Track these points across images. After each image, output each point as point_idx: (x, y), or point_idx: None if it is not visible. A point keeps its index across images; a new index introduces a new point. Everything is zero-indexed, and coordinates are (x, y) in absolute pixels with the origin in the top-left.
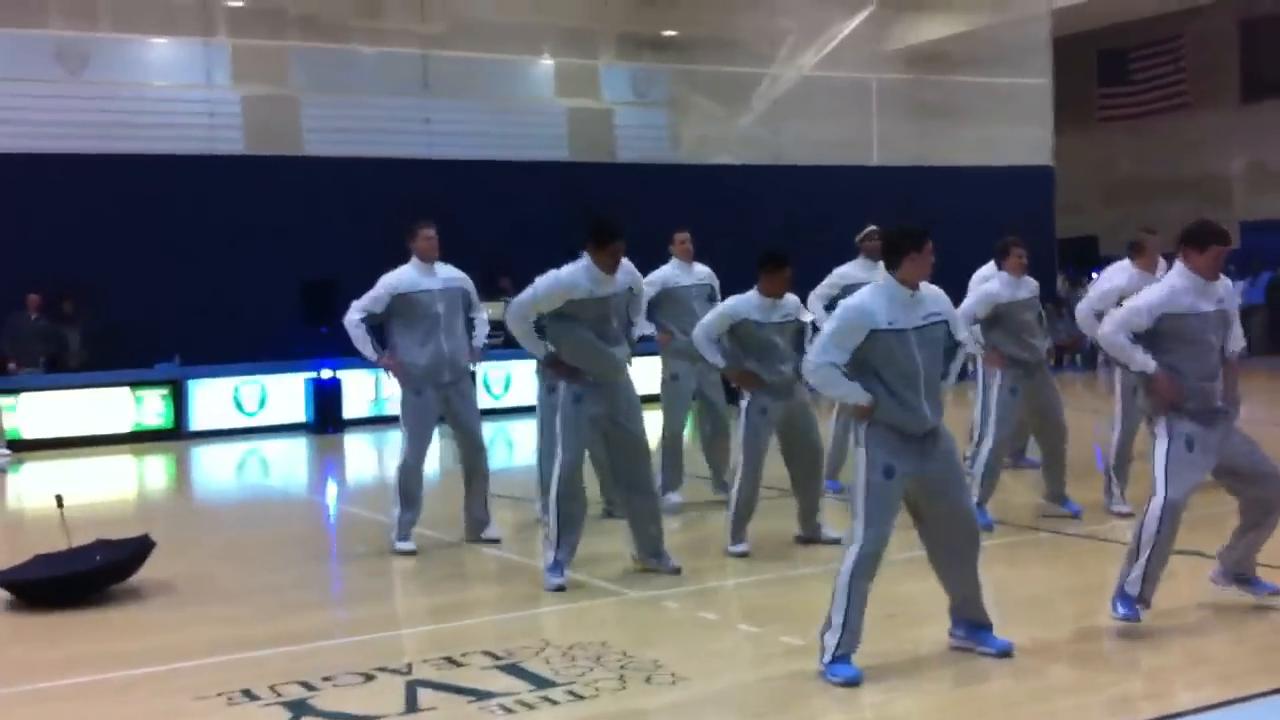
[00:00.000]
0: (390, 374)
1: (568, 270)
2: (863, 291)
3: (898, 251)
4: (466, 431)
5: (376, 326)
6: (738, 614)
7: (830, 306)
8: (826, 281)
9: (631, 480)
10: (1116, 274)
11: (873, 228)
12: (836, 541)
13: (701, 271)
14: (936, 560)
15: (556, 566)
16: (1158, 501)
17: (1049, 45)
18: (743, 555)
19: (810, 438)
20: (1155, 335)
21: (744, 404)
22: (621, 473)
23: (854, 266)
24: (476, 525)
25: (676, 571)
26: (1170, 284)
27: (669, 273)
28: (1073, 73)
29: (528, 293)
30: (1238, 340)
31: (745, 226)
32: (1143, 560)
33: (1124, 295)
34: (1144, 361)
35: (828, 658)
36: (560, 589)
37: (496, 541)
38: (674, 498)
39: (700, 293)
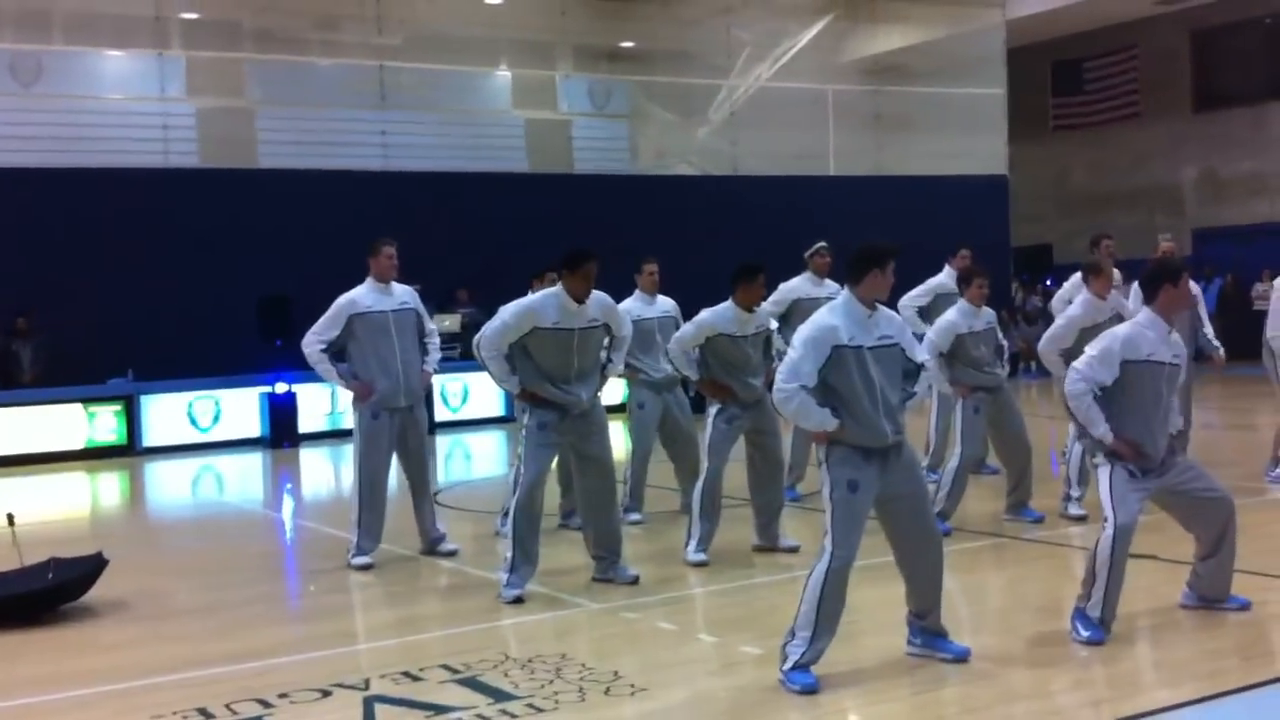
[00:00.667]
0: (357, 395)
1: (538, 295)
2: (823, 310)
3: (862, 267)
4: (415, 457)
5: (339, 350)
6: (697, 624)
7: (780, 322)
8: (773, 299)
9: (594, 502)
10: (1075, 304)
11: (822, 244)
12: (795, 550)
13: (665, 304)
14: (901, 569)
15: (515, 579)
16: (1109, 529)
17: (1004, 56)
18: (701, 564)
19: (773, 447)
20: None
21: (712, 412)
22: (587, 494)
23: (802, 281)
24: (431, 540)
25: (634, 581)
26: (1134, 326)
27: (631, 306)
28: (1027, 83)
29: (496, 323)
30: (1176, 419)
31: (703, 237)
32: (1101, 585)
33: (1082, 327)
34: (1104, 433)
35: (788, 665)
36: (518, 601)
37: (454, 553)
38: (634, 516)
39: (665, 324)
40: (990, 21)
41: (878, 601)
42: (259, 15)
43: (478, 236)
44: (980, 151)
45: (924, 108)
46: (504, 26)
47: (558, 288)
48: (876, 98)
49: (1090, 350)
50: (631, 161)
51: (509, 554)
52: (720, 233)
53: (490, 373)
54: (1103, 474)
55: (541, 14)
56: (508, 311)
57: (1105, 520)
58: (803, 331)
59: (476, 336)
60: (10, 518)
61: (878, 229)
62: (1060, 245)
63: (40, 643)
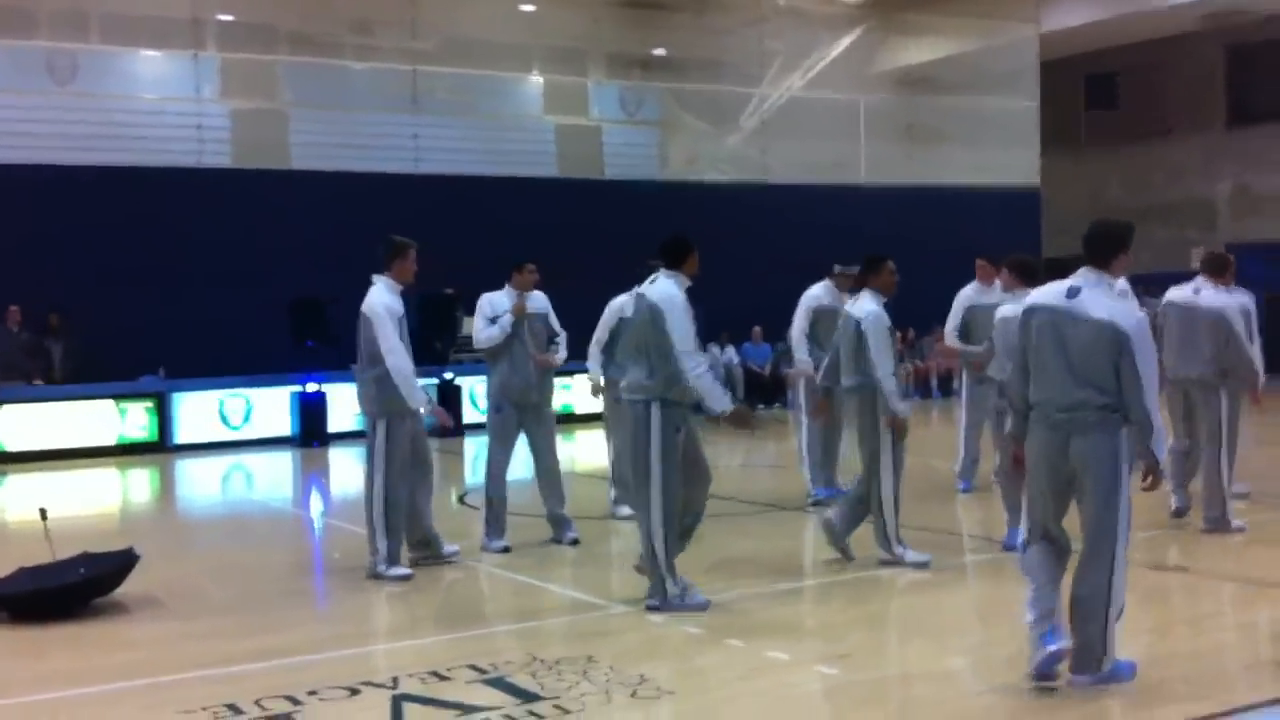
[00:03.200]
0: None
1: (675, 286)
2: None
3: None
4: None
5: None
6: (724, 628)
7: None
8: (799, 308)
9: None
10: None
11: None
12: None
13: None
14: None
15: (680, 582)
16: None
17: (1037, 69)
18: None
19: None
20: None
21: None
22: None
23: (822, 289)
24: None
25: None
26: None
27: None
28: (1061, 96)
29: (690, 340)
30: None
31: (734, 245)
32: None
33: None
34: None
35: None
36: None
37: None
38: (625, 510)
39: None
40: (1024, 34)
41: (915, 608)
42: (294, 18)
43: (508, 241)
44: (1013, 164)
45: (956, 119)
46: (537, 32)
47: (679, 277)
48: (909, 109)
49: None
50: (662, 168)
51: (665, 563)
52: (750, 241)
53: (715, 394)
54: None
55: (574, 21)
56: (684, 315)
57: None
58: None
59: (695, 369)
60: (43, 512)
61: (909, 240)
62: None
63: (71, 637)
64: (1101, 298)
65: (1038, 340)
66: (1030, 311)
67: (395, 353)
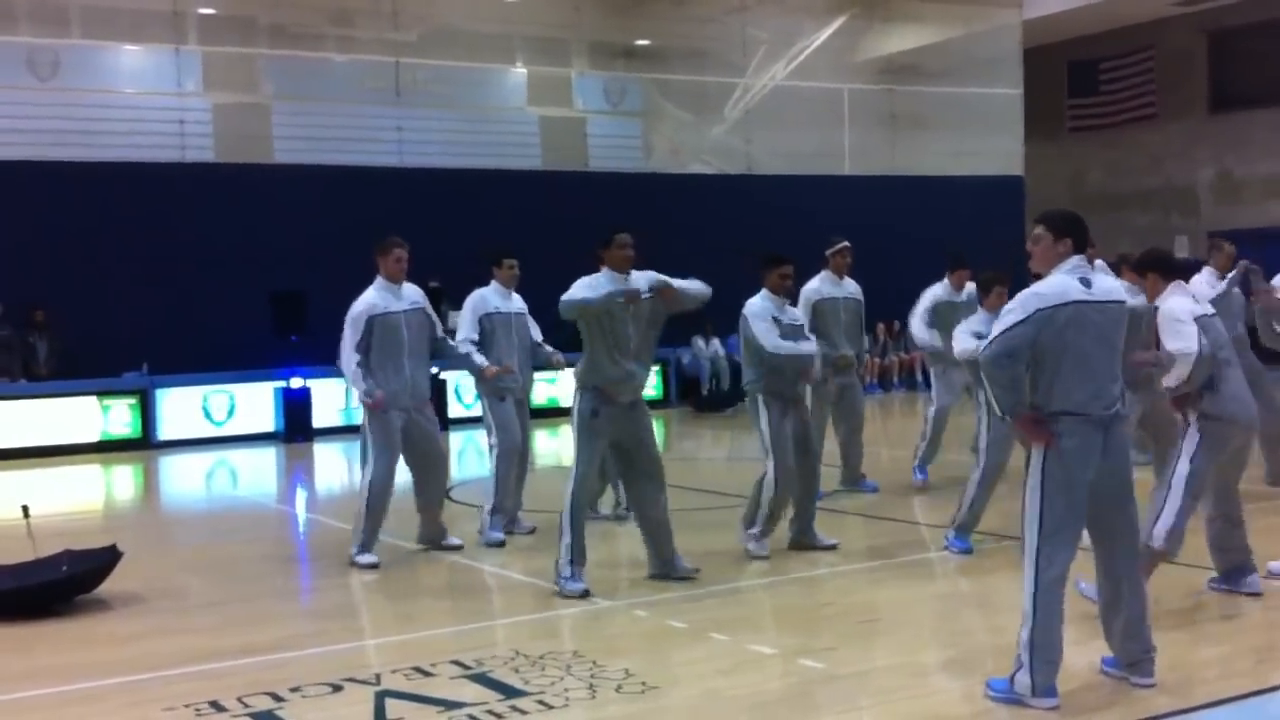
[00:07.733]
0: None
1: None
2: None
3: None
4: (425, 457)
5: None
6: (708, 623)
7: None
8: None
9: (646, 492)
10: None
11: (844, 243)
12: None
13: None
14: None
15: (575, 574)
16: None
17: (1020, 56)
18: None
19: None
20: None
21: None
22: (634, 482)
23: (820, 282)
24: (436, 534)
25: (692, 575)
26: None
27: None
28: (1043, 84)
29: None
30: None
31: (718, 235)
32: None
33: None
34: None
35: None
36: (585, 594)
37: (459, 548)
38: (604, 510)
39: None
40: (1006, 21)
41: (888, 602)
42: (275, 10)
43: (492, 233)
44: (995, 151)
45: (939, 107)
46: (519, 23)
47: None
48: (892, 97)
49: None
50: (646, 159)
51: (568, 549)
52: (734, 231)
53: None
54: None
55: (557, 11)
56: (569, 306)
57: None
58: None
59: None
60: (25, 509)
61: (892, 228)
62: None
63: (53, 634)
64: None
65: None
66: None
67: (343, 352)
